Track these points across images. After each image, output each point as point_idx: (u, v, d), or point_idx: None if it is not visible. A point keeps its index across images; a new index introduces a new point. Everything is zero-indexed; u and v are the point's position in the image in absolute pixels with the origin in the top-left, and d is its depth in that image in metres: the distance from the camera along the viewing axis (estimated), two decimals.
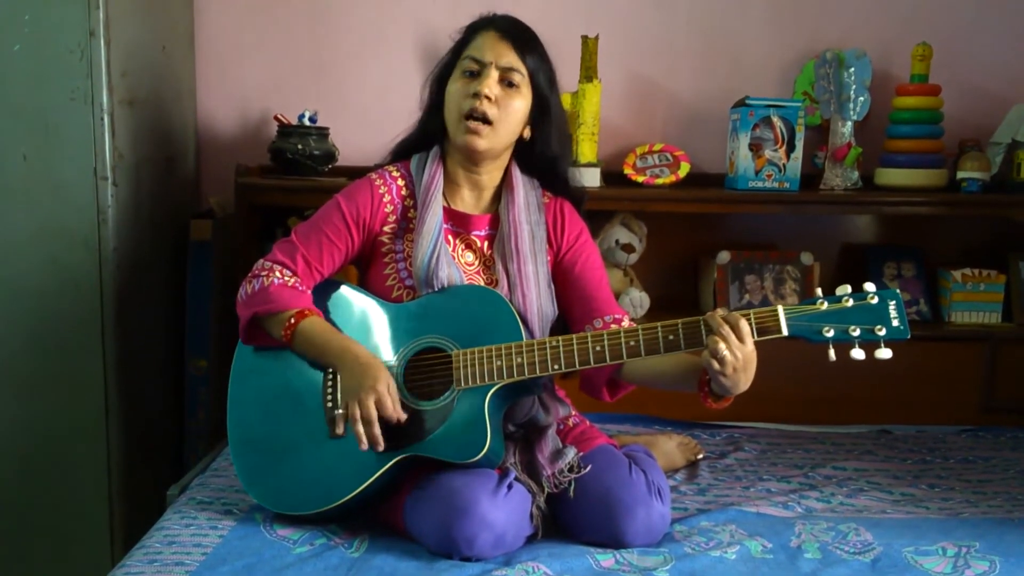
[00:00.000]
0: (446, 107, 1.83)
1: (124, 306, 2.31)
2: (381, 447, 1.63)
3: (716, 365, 1.57)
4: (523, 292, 1.81)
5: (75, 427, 2.30)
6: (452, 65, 1.85)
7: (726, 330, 1.57)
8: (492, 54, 1.79)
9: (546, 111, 1.86)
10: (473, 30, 1.85)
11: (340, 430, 1.67)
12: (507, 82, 1.79)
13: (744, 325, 1.58)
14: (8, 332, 2.27)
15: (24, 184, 2.21)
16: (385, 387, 1.64)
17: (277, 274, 1.76)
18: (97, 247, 2.25)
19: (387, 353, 1.75)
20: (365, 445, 1.63)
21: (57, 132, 2.20)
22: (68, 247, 2.24)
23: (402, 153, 1.93)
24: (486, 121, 1.77)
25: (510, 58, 1.79)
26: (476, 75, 1.79)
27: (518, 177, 1.89)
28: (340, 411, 1.67)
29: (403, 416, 1.65)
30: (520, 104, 1.81)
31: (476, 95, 1.76)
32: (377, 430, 1.63)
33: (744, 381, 1.60)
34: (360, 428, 1.63)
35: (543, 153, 1.89)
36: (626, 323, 1.85)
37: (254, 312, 1.73)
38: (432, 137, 1.90)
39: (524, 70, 1.80)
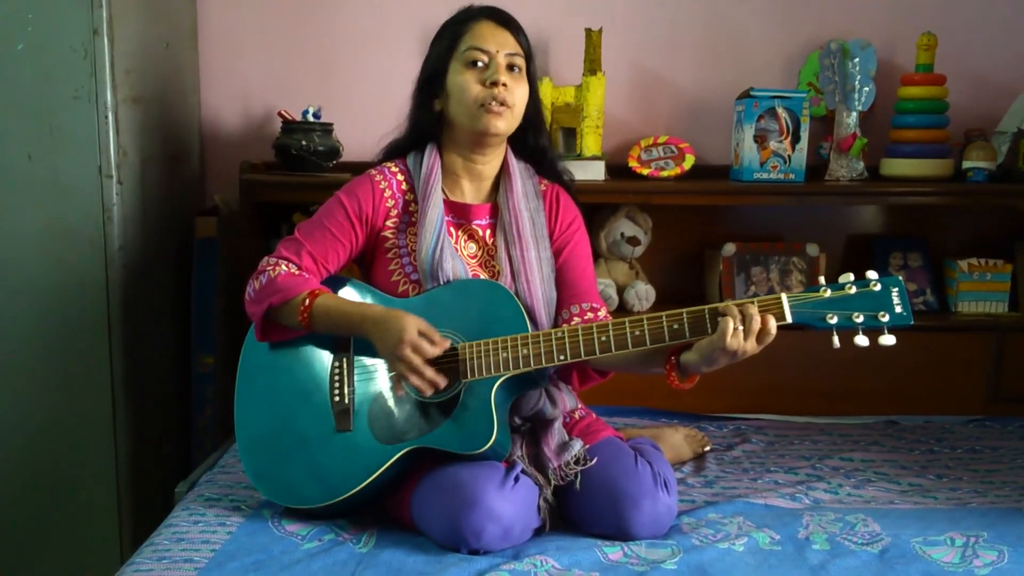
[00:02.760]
0: (454, 99, 1.82)
1: (130, 304, 2.32)
2: (443, 384, 1.65)
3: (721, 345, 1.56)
4: (527, 279, 1.82)
5: (82, 425, 2.31)
6: (445, 60, 1.84)
7: (744, 322, 1.56)
8: (495, 43, 1.80)
9: (535, 96, 1.89)
10: (462, 22, 1.84)
11: (350, 426, 1.68)
12: (512, 68, 1.81)
13: (758, 323, 1.55)
14: (15, 331, 2.27)
15: (29, 183, 2.22)
16: (414, 331, 1.64)
17: (283, 267, 1.76)
18: (103, 245, 2.25)
19: None
20: (429, 392, 1.65)
21: (61, 131, 2.20)
22: (74, 246, 2.25)
23: (394, 154, 1.93)
24: (504, 105, 1.79)
25: (512, 45, 1.81)
26: (484, 65, 1.79)
27: (515, 165, 1.90)
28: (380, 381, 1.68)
29: (447, 344, 1.66)
30: (525, 88, 1.84)
31: (494, 83, 1.77)
32: (430, 373, 1.64)
33: (723, 364, 1.60)
34: (416, 382, 1.64)
35: (536, 138, 1.92)
36: (603, 313, 1.87)
37: (268, 304, 1.73)
38: (425, 136, 1.90)
39: (523, 55, 1.83)
